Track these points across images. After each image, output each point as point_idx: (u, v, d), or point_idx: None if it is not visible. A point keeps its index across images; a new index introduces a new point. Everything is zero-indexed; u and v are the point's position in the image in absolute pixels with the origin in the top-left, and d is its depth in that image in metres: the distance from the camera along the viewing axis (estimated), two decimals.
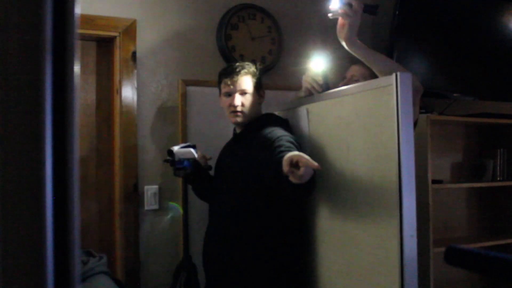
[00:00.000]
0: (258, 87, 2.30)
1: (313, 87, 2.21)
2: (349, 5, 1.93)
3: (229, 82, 2.24)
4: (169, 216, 2.26)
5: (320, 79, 2.20)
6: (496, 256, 0.58)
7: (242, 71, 2.24)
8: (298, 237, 2.27)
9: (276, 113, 2.48)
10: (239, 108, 2.22)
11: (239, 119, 2.25)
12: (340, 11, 1.94)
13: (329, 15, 2.00)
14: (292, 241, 2.25)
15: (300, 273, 2.27)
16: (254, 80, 2.27)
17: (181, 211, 2.23)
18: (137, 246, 2.68)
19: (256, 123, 2.26)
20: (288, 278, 2.26)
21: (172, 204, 2.28)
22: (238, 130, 2.35)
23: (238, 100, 2.22)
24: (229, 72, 2.26)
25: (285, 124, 2.28)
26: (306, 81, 2.25)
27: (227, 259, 2.20)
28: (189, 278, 2.20)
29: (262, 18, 3.05)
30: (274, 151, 1.97)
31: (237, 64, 2.29)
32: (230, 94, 2.25)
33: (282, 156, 1.76)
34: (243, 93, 2.23)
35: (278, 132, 2.10)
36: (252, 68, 2.29)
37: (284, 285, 2.26)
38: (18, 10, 0.51)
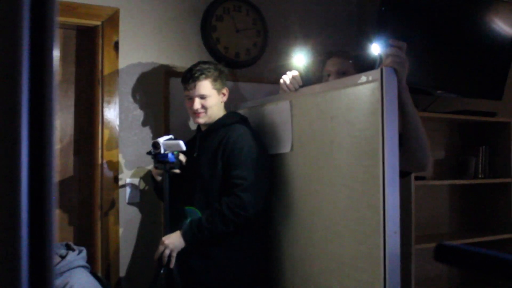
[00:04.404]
0: (220, 87, 2.37)
1: (288, 88, 2.24)
2: (400, 48, 1.76)
3: (188, 87, 2.33)
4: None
5: (299, 78, 2.21)
6: (487, 254, 0.57)
7: (201, 77, 2.30)
8: (266, 233, 2.39)
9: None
10: (199, 111, 2.32)
11: (200, 120, 2.36)
12: (391, 52, 1.75)
13: (379, 52, 1.82)
14: (261, 237, 2.36)
15: (274, 270, 2.31)
16: (214, 82, 2.33)
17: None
18: (117, 239, 2.64)
19: (219, 122, 2.36)
20: (263, 275, 2.35)
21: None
22: (203, 128, 2.43)
23: (197, 104, 2.31)
24: (188, 78, 2.32)
25: (246, 121, 2.40)
26: (283, 81, 2.27)
27: (196, 254, 2.24)
28: (170, 273, 2.18)
29: (247, 10, 3.02)
30: (229, 177, 2.19)
31: (197, 68, 2.32)
32: (191, 98, 2.33)
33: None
34: (202, 97, 2.31)
35: (238, 142, 2.22)
36: (211, 71, 2.33)
37: (260, 281, 2.31)
38: None
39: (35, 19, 0.49)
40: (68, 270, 1.95)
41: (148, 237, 2.70)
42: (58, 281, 1.87)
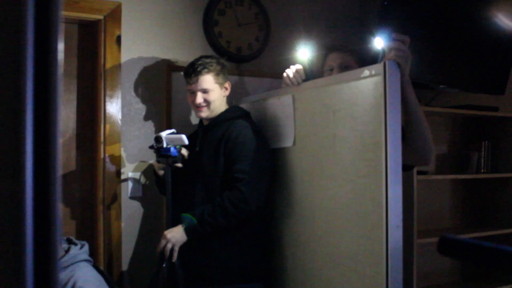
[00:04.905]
0: (222, 81, 2.37)
1: (291, 82, 2.24)
2: (403, 41, 1.75)
3: (191, 82, 2.33)
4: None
5: (302, 72, 2.20)
6: (489, 247, 0.57)
7: (203, 71, 2.30)
8: (267, 228, 2.39)
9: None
10: (202, 105, 2.33)
11: (203, 114, 2.36)
12: (394, 46, 1.74)
13: (382, 46, 1.82)
14: (262, 232, 2.35)
15: (274, 264, 2.29)
16: (217, 77, 2.33)
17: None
18: (119, 233, 2.64)
19: (221, 116, 2.36)
20: (263, 269, 2.34)
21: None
22: (205, 122, 2.43)
23: (200, 98, 2.31)
24: (190, 72, 2.32)
25: (248, 116, 2.41)
26: (286, 75, 2.27)
27: (198, 249, 2.23)
28: (172, 266, 2.18)
29: (249, 4, 3.01)
30: (230, 171, 2.19)
31: (199, 62, 2.32)
32: (193, 92, 2.33)
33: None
34: (205, 91, 2.31)
35: (240, 136, 2.22)
36: (214, 65, 2.33)
37: (262, 276, 2.31)
38: None
39: (40, 13, 0.49)
40: (72, 264, 1.96)
41: (150, 231, 2.70)
42: (62, 275, 1.88)
